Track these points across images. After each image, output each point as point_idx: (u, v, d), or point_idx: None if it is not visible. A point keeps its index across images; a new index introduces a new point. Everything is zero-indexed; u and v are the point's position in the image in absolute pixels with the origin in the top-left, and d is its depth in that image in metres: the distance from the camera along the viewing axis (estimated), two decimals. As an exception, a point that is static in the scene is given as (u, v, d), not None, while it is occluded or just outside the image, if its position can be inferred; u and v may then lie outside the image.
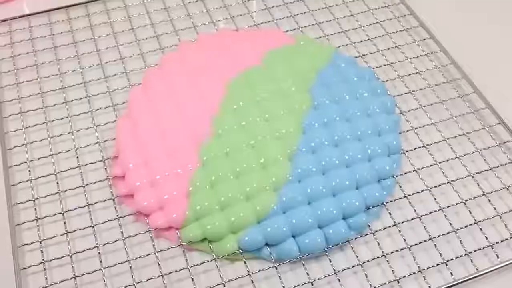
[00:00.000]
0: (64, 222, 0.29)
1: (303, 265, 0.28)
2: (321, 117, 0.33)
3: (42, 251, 0.29)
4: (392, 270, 0.28)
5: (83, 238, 0.29)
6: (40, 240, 0.29)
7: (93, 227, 0.29)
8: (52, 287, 0.27)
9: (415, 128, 0.34)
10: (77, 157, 0.32)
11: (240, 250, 0.28)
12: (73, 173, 0.31)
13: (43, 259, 0.28)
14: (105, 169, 0.31)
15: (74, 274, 0.28)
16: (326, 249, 0.29)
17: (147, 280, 0.27)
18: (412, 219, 0.30)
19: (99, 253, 0.28)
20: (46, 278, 0.28)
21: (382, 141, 0.32)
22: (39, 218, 0.30)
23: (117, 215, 0.30)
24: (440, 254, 0.29)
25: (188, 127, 0.32)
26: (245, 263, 0.28)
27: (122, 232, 0.29)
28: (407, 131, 0.34)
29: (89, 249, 0.28)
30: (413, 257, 0.28)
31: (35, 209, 0.30)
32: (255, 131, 0.32)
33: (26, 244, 0.29)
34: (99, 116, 0.34)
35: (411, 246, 0.29)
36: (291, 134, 0.32)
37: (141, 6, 0.41)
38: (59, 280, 0.28)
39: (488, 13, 0.43)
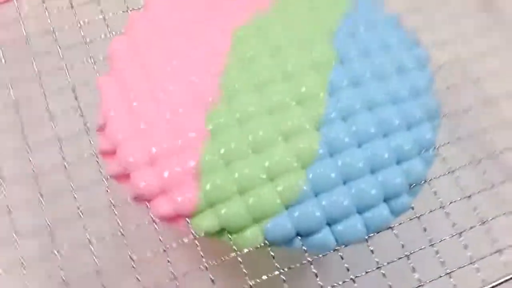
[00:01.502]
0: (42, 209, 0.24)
1: (341, 258, 0.24)
2: (349, 74, 0.27)
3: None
4: (442, 262, 0.24)
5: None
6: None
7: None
8: None
9: (453, 87, 0.29)
10: (53, 127, 0.25)
11: (266, 242, 0.24)
12: (50, 148, 0.25)
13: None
14: (90, 141, 0.25)
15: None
16: (366, 237, 0.24)
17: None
18: (460, 199, 0.26)
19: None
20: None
21: (421, 103, 0.27)
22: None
23: (111, 201, 0.24)
24: (493, 240, 0.25)
25: (189, 86, 0.26)
26: (273, 258, 0.23)
27: (119, 224, 0.23)
28: (447, 88, 0.29)
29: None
30: (464, 244, 0.25)
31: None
32: (271, 92, 0.26)
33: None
34: (75, 73, 0.27)
35: (461, 232, 0.25)
36: (316, 96, 0.26)
37: None
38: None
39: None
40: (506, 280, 0.24)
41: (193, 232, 0.23)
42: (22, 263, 0.23)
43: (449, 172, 0.26)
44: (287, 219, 0.24)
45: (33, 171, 0.24)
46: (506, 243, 0.25)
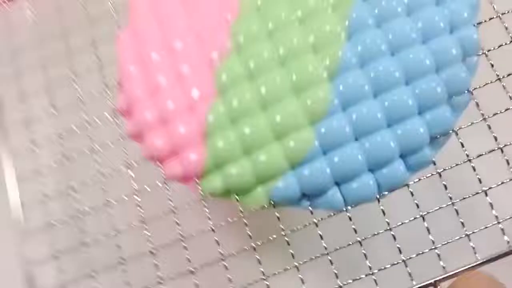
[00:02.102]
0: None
1: (350, 218, 0.23)
2: (373, 11, 0.24)
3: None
4: (462, 223, 0.22)
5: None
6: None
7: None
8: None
9: (502, 14, 0.25)
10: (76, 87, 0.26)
11: (272, 203, 0.24)
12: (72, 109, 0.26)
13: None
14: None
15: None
16: (378, 196, 0.23)
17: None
18: (491, 151, 0.23)
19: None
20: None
21: (458, 37, 0.24)
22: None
23: (126, 162, 0.25)
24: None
25: (201, 36, 0.25)
26: (278, 219, 0.23)
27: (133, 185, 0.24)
28: (490, 19, 0.25)
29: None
30: (491, 202, 0.22)
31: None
32: (287, 38, 0.24)
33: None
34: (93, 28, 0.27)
35: (487, 190, 0.23)
36: (334, 38, 0.24)
37: None
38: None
39: None
40: None
41: (202, 192, 0.24)
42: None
43: (482, 120, 0.23)
44: (293, 180, 0.23)
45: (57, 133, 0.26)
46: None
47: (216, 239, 0.23)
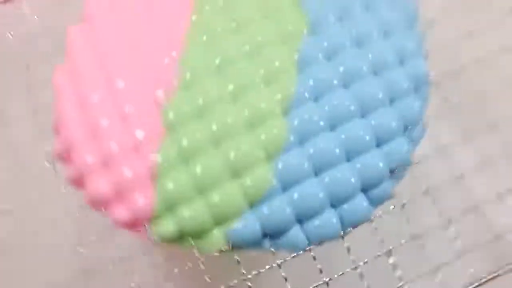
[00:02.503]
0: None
1: (314, 258, 0.22)
2: (323, 44, 0.23)
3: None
4: (427, 257, 0.22)
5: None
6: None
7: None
8: None
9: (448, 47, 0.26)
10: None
11: (231, 245, 0.22)
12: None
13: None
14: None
15: None
16: (342, 233, 0.22)
17: None
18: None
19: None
20: None
21: (408, 70, 0.24)
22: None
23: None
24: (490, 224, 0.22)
25: (145, 73, 0.23)
26: (238, 262, 0.22)
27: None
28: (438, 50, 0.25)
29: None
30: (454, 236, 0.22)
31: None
32: (236, 73, 0.23)
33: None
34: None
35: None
36: (285, 73, 0.23)
37: None
38: None
39: None
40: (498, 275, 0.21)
41: (153, 239, 0.22)
42: None
43: (438, 151, 0.23)
44: (253, 220, 0.22)
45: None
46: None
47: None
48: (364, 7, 0.24)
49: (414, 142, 0.23)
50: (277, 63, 0.23)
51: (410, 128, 0.23)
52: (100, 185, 0.22)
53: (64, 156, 0.23)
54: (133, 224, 0.22)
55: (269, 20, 0.24)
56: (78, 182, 0.23)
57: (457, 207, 0.22)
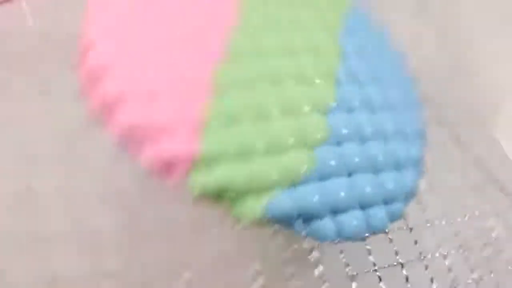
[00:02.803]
0: None
1: (341, 252, 0.21)
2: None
3: None
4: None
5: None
6: None
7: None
8: None
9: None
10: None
11: (266, 216, 0.20)
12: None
13: None
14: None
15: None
16: (365, 236, 0.22)
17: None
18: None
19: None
20: None
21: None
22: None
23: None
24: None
25: (197, 22, 0.23)
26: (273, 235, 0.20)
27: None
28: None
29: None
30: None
31: None
32: (277, 64, 0.23)
33: None
34: None
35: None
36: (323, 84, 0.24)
37: None
38: None
39: None
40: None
41: (189, 190, 0.20)
42: None
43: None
44: (289, 198, 0.21)
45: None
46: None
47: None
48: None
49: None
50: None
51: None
52: (141, 115, 0.20)
53: (92, 81, 0.20)
54: (169, 169, 0.20)
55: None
56: (106, 112, 0.20)
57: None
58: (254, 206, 0.20)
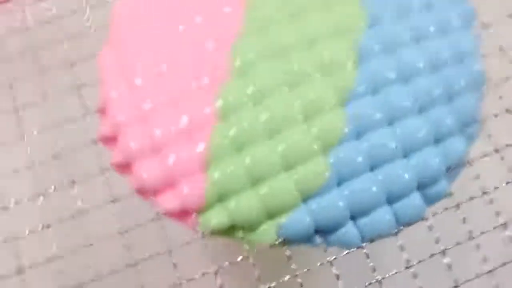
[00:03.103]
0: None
1: (367, 256, 0.21)
2: (381, 39, 0.23)
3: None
4: (483, 258, 0.21)
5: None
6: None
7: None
8: None
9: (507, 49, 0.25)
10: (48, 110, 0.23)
11: (282, 239, 0.21)
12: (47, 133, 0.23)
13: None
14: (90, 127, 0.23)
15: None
16: (396, 231, 0.22)
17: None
18: (507, 183, 0.22)
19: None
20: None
21: (464, 69, 0.23)
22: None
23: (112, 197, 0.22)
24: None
25: (196, 57, 0.23)
26: (289, 258, 0.21)
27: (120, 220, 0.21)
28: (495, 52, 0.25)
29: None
30: (509, 236, 0.21)
31: None
32: (291, 62, 0.23)
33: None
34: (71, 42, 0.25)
35: (506, 223, 0.22)
36: (343, 65, 0.22)
37: None
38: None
39: None
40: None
41: (201, 230, 0.21)
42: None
43: (495, 151, 0.23)
44: (305, 214, 0.21)
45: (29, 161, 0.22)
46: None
47: (220, 282, 0.21)
48: (424, 5, 0.24)
49: (470, 141, 0.23)
50: (334, 55, 0.22)
51: (466, 126, 0.22)
52: (149, 171, 0.21)
53: (110, 139, 0.23)
54: (182, 214, 0.21)
55: (327, 13, 0.23)
56: (124, 167, 0.22)
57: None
58: (269, 231, 0.21)
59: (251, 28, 0.23)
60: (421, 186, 0.22)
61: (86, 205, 0.22)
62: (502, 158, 0.22)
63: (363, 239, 0.21)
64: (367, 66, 0.22)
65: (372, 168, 0.21)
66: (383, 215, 0.21)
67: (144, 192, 0.22)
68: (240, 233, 0.21)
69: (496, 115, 0.23)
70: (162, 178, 0.21)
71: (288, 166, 0.21)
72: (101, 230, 0.21)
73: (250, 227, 0.21)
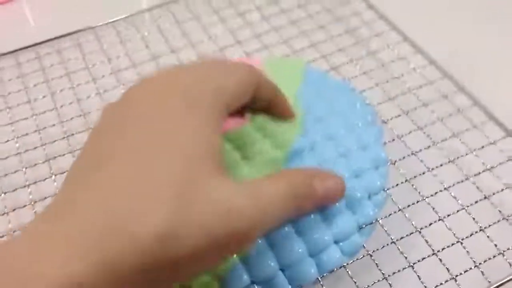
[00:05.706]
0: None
1: (297, 300, 0.25)
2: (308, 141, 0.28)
3: None
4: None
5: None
6: None
7: None
8: None
9: (401, 136, 0.31)
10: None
11: (224, 290, 0.25)
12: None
13: None
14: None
15: None
16: (319, 278, 0.26)
17: None
18: (410, 233, 0.27)
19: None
20: None
21: (368, 155, 0.29)
22: None
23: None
24: (448, 269, 0.26)
25: None
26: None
27: None
28: (393, 140, 0.31)
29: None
30: (418, 275, 0.25)
31: None
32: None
33: None
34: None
35: (413, 264, 0.26)
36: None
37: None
38: None
39: (462, 12, 0.41)
40: None
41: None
42: None
43: (399, 211, 0.27)
44: (241, 270, 0.25)
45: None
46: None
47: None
48: (333, 111, 0.30)
49: (379, 205, 0.27)
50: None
51: (374, 195, 0.27)
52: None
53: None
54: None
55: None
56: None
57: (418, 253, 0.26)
58: (211, 283, 0.25)
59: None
60: (338, 242, 0.26)
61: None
62: (405, 216, 0.27)
63: (292, 286, 0.25)
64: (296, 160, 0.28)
65: (297, 231, 0.26)
66: (308, 267, 0.25)
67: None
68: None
69: (397, 185, 0.28)
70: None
71: None
72: None
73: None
